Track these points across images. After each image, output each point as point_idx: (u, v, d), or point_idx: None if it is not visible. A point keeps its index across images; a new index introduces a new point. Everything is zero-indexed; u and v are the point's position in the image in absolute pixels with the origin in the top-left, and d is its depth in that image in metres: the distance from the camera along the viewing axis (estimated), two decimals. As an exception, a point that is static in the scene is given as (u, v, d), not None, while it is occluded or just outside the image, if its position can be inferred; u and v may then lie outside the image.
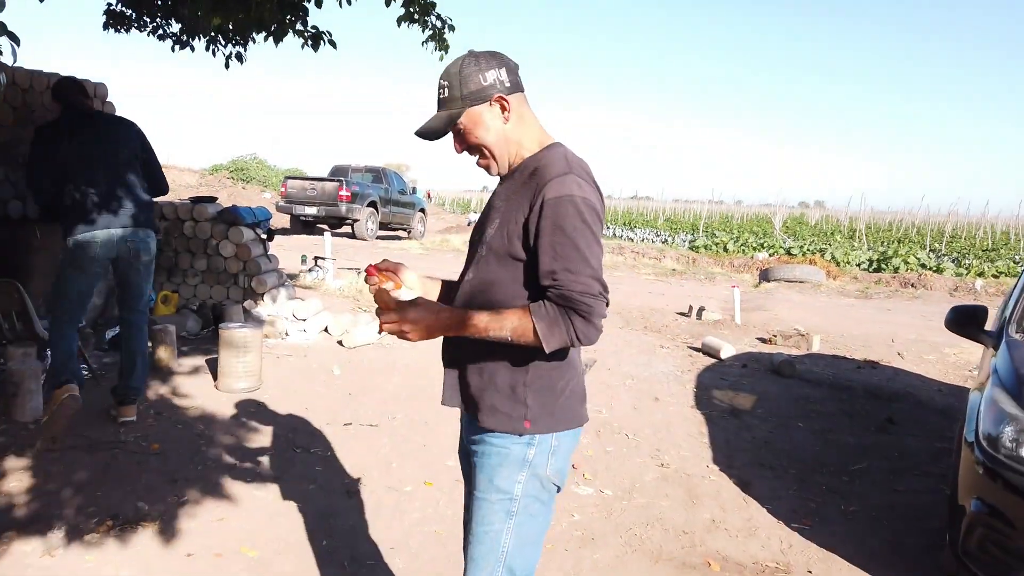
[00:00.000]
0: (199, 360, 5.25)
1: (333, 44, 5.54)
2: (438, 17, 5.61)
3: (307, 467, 3.69)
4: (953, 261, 17.93)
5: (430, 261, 13.67)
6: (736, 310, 8.67)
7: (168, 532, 2.97)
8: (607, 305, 1.60)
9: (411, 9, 5.36)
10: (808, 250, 17.46)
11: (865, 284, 13.59)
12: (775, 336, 7.59)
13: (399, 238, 19.06)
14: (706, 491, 3.78)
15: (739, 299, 8.79)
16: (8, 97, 4.92)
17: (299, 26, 5.19)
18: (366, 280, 1.82)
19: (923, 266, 16.12)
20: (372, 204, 17.28)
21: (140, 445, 3.75)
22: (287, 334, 6.16)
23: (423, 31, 5.57)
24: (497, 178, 1.80)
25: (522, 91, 1.75)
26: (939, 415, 5.40)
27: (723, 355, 6.62)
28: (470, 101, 1.68)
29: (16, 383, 3.93)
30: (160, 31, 5.33)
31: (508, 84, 1.70)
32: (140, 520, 3.02)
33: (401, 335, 1.61)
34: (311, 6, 5.18)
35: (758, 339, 7.67)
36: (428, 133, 1.73)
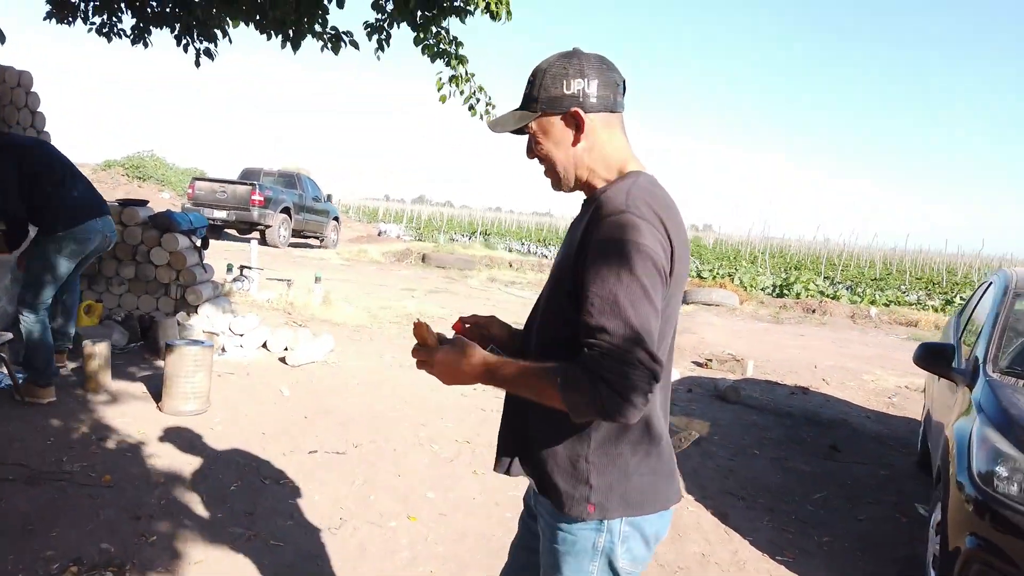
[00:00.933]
0: (135, 378, 4.84)
1: (355, 45, 5.15)
2: (476, 85, 5.35)
3: (279, 500, 3.44)
4: (847, 289, 19.04)
5: (351, 272, 13.30)
6: (670, 333, 8.83)
7: (142, 578, 2.68)
8: (654, 377, 1.29)
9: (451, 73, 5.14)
10: (718, 274, 18.12)
11: (774, 309, 14.22)
12: (710, 360, 7.78)
13: (311, 246, 18.46)
14: (688, 523, 3.78)
15: (672, 323, 8.96)
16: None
17: (317, 27, 4.85)
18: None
19: (822, 293, 17.04)
20: (286, 210, 16.65)
21: (89, 476, 3.39)
22: (224, 350, 5.80)
23: (461, 94, 5.29)
24: (564, 194, 1.59)
25: (614, 111, 1.50)
26: (874, 442, 5.66)
27: (668, 379, 6.70)
28: (544, 106, 1.48)
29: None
30: (105, 24, 4.88)
31: (595, 100, 1.46)
32: (108, 565, 2.71)
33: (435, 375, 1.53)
34: (331, 6, 4.88)
35: (694, 363, 7.85)
36: (495, 128, 1.54)
